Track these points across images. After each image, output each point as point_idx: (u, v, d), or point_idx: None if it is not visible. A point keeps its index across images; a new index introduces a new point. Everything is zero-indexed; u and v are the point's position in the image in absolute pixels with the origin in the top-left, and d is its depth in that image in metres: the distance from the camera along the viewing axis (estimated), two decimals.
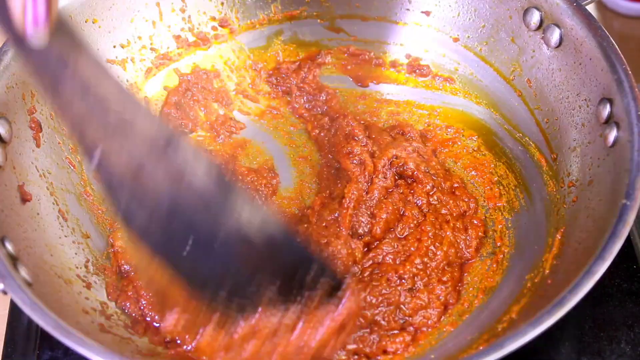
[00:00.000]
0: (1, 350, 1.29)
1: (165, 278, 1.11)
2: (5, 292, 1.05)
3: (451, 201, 1.37)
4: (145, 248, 1.09)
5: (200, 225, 1.06)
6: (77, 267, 1.25)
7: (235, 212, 1.07)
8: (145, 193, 1.03)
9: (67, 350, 1.24)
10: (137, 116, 1.03)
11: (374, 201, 1.36)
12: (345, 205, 1.34)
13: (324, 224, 1.33)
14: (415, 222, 1.35)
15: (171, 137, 1.04)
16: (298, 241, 1.16)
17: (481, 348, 1.04)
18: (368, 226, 1.34)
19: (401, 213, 1.35)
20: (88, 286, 1.24)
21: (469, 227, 1.35)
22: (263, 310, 1.10)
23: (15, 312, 1.32)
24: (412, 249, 1.31)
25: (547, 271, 1.21)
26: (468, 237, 1.34)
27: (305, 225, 1.34)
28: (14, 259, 1.10)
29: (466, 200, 1.38)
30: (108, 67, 1.04)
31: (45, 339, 1.28)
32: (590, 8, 1.36)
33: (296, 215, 1.39)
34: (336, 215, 1.34)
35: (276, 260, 1.10)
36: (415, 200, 1.37)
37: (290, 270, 1.11)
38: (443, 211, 1.36)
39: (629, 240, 1.35)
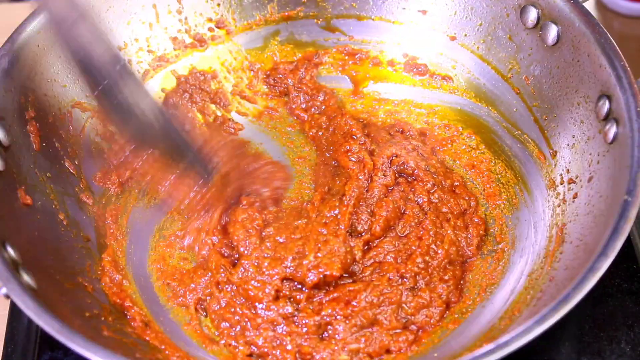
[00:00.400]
0: (1, 351, 1.29)
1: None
2: (8, 297, 1.05)
3: (452, 199, 1.37)
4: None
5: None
6: (78, 271, 1.25)
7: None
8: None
9: (67, 351, 1.25)
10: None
11: (374, 199, 1.36)
12: (346, 203, 1.34)
13: (323, 221, 1.33)
14: (416, 220, 1.35)
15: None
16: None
17: (485, 346, 1.03)
18: (367, 224, 1.34)
19: (402, 211, 1.35)
20: (89, 289, 1.24)
21: (470, 225, 1.35)
22: None
23: (15, 312, 1.32)
24: (413, 247, 1.31)
25: (548, 268, 1.21)
26: (469, 235, 1.34)
27: (305, 221, 1.34)
28: (15, 263, 1.10)
29: (467, 198, 1.38)
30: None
31: (45, 339, 1.28)
32: (590, 8, 1.36)
33: (296, 209, 1.39)
34: (336, 212, 1.33)
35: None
36: (416, 199, 1.37)
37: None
38: (444, 209, 1.36)
39: (629, 240, 1.35)
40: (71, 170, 1.36)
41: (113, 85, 1.25)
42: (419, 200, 1.37)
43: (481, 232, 1.35)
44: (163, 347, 1.21)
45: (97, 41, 1.22)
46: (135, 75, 1.34)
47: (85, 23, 1.19)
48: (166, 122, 1.33)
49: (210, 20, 1.56)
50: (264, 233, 1.33)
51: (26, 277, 1.10)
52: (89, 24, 1.20)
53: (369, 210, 1.35)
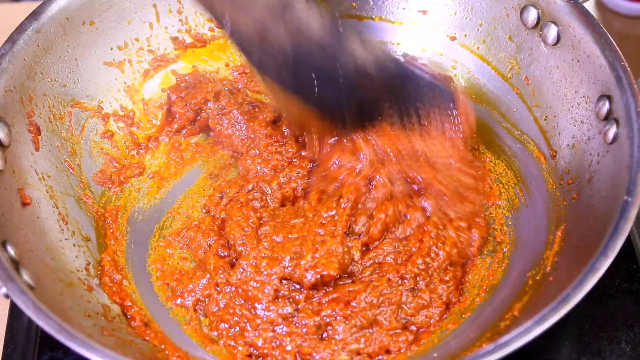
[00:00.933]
0: (1, 351, 1.29)
1: (302, 111, 1.34)
2: (7, 296, 1.05)
3: (459, 202, 1.36)
4: (281, 91, 1.31)
5: (322, 66, 1.29)
6: (78, 270, 1.25)
7: (350, 51, 1.29)
8: (272, 48, 1.25)
9: (67, 351, 1.25)
10: None
11: (374, 202, 1.35)
12: (343, 206, 1.33)
13: (320, 221, 1.32)
14: (417, 223, 1.34)
15: (286, 1, 1.25)
16: (409, 67, 1.38)
17: (485, 346, 1.03)
18: (365, 226, 1.33)
19: (403, 215, 1.34)
20: (89, 289, 1.24)
21: (473, 227, 1.34)
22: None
23: (15, 312, 1.32)
24: (413, 249, 1.31)
25: (548, 268, 1.21)
26: (472, 237, 1.33)
27: (302, 220, 1.34)
28: (15, 263, 1.10)
29: (472, 199, 1.37)
30: None
31: (45, 339, 1.28)
32: (590, 8, 1.36)
33: (292, 207, 1.39)
34: (333, 213, 1.33)
35: (392, 85, 1.33)
36: (424, 204, 1.36)
37: (404, 92, 1.34)
38: (450, 213, 1.35)
39: (629, 241, 1.35)
40: (71, 170, 1.36)
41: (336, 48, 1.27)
42: (426, 205, 1.35)
43: (484, 233, 1.34)
44: (163, 346, 1.21)
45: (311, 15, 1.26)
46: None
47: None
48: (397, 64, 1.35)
49: (210, 20, 1.56)
50: (260, 232, 1.32)
51: (26, 277, 1.10)
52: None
53: (367, 214, 1.34)
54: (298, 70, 1.28)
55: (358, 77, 1.30)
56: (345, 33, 1.29)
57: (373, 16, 1.58)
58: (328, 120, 1.35)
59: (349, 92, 1.32)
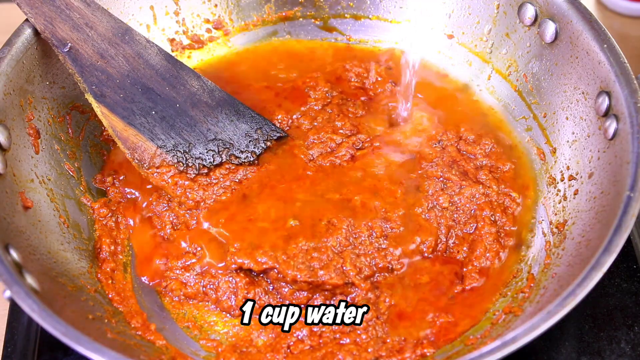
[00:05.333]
0: (1, 351, 1.29)
1: (140, 141, 1.34)
2: (11, 300, 1.04)
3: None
4: (119, 119, 1.32)
5: (161, 95, 1.35)
6: (80, 273, 1.25)
7: (187, 84, 1.38)
8: (111, 75, 1.32)
9: (67, 351, 1.24)
10: (95, 16, 1.31)
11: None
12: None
13: None
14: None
15: (126, 31, 1.34)
16: (243, 105, 1.42)
17: (489, 343, 1.04)
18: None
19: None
20: (92, 292, 1.23)
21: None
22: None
23: (15, 312, 1.32)
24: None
25: (551, 265, 1.22)
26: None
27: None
28: (19, 267, 1.10)
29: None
30: None
31: (45, 339, 1.28)
32: (590, 8, 1.36)
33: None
34: None
35: (230, 118, 1.40)
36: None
37: (242, 129, 1.40)
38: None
39: (629, 241, 1.36)
40: (71, 173, 1.36)
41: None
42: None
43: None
44: (166, 347, 1.21)
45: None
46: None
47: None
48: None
49: (207, 21, 1.56)
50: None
51: (30, 280, 1.09)
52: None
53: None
54: (135, 98, 1.33)
55: (195, 108, 1.38)
56: (183, 67, 1.39)
57: (370, 15, 1.59)
58: (168, 156, 1.36)
59: (187, 123, 1.37)
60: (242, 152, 1.38)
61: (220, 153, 1.37)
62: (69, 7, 1.30)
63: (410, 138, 1.42)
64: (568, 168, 1.31)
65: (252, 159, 1.38)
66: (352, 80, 1.52)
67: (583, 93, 1.29)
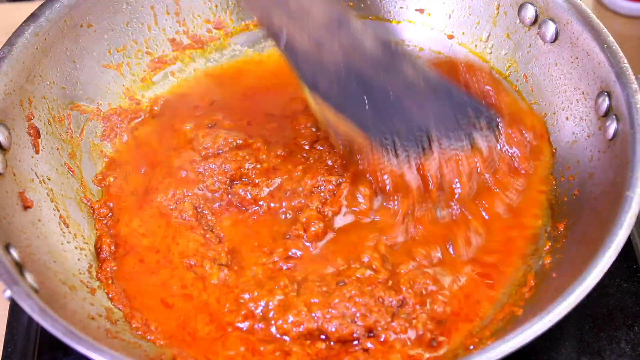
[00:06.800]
0: (1, 351, 1.29)
1: (351, 131, 1.29)
2: (11, 300, 1.04)
3: None
4: (331, 108, 1.28)
5: (375, 85, 1.29)
6: (80, 273, 1.25)
7: (402, 71, 1.30)
8: (326, 64, 1.27)
9: (67, 351, 1.24)
10: (312, 3, 1.26)
11: None
12: None
13: None
14: None
15: (342, 17, 1.28)
16: (459, 90, 1.34)
17: (489, 343, 1.04)
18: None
19: None
20: (92, 292, 1.23)
21: None
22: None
23: (15, 312, 1.32)
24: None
25: (551, 265, 1.22)
26: None
27: None
28: (19, 266, 1.10)
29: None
30: None
31: (45, 339, 1.28)
32: (590, 8, 1.36)
33: None
34: None
35: (441, 108, 1.31)
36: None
37: (453, 116, 1.30)
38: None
39: (629, 240, 1.36)
40: (71, 173, 1.36)
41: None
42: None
43: None
44: (167, 347, 1.21)
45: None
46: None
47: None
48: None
49: (208, 21, 1.56)
50: None
51: (30, 280, 1.09)
52: None
53: None
54: (349, 88, 1.28)
55: (408, 97, 1.30)
56: (398, 54, 1.32)
57: (370, 15, 1.58)
58: (377, 147, 1.30)
59: (399, 113, 1.30)
60: (450, 140, 1.29)
61: (429, 142, 1.29)
62: None
63: None
64: (568, 168, 1.31)
65: (463, 145, 1.30)
66: None
67: (583, 93, 1.29)
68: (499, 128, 1.31)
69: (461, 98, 1.33)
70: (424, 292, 1.22)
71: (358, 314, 1.19)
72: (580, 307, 1.02)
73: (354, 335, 1.18)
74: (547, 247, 1.26)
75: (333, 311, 1.19)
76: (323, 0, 1.28)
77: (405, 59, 1.32)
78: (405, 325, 1.18)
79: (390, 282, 1.23)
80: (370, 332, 1.19)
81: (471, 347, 1.16)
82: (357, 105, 1.28)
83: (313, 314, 1.19)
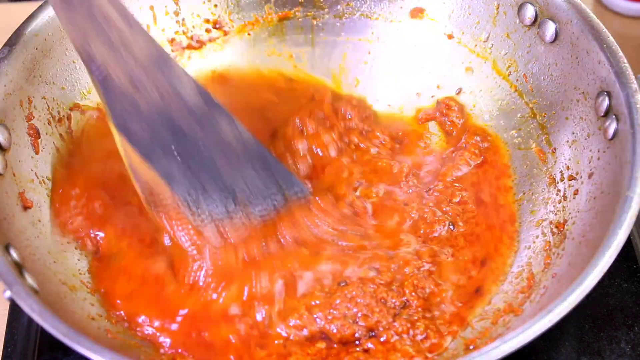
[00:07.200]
0: (1, 351, 1.29)
1: (154, 179, 1.22)
2: (11, 300, 1.04)
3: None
4: (135, 152, 1.20)
5: (188, 135, 1.22)
6: (80, 273, 1.25)
7: (218, 126, 1.24)
8: (140, 107, 1.18)
9: (67, 351, 1.22)
10: (135, 38, 1.18)
11: None
12: None
13: None
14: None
15: (164, 60, 1.21)
16: (274, 159, 1.31)
17: (489, 343, 1.04)
18: None
19: None
20: (92, 292, 1.23)
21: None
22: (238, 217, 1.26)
23: (15, 312, 1.32)
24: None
25: (550, 265, 1.22)
26: None
27: None
28: (19, 267, 1.10)
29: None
30: None
31: (45, 339, 1.28)
32: (590, 8, 1.36)
33: None
34: None
35: (253, 172, 1.27)
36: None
37: (263, 183, 1.28)
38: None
39: (629, 241, 1.36)
40: None
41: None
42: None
43: None
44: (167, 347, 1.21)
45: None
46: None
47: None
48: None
49: (207, 21, 1.56)
50: None
51: (30, 280, 1.09)
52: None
53: None
54: (160, 135, 1.20)
55: (220, 154, 1.25)
56: (217, 108, 1.25)
57: (369, 15, 1.58)
58: (179, 200, 1.24)
59: (208, 169, 1.24)
60: (259, 207, 1.27)
61: (235, 206, 1.26)
62: (108, 23, 1.15)
63: None
64: (568, 168, 1.31)
65: (268, 213, 1.28)
66: None
67: (583, 93, 1.29)
68: (309, 199, 1.31)
69: (275, 167, 1.29)
70: (426, 294, 1.23)
71: (359, 314, 1.19)
72: (580, 307, 1.02)
73: (356, 335, 1.18)
74: (547, 246, 1.26)
75: (334, 312, 1.19)
76: (146, 38, 1.20)
77: (223, 115, 1.25)
78: (407, 325, 1.18)
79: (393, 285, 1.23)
80: (371, 332, 1.19)
81: (471, 347, 1.16)
82: (166, 154, 1.21)
83: (314, 315, 1.19)
